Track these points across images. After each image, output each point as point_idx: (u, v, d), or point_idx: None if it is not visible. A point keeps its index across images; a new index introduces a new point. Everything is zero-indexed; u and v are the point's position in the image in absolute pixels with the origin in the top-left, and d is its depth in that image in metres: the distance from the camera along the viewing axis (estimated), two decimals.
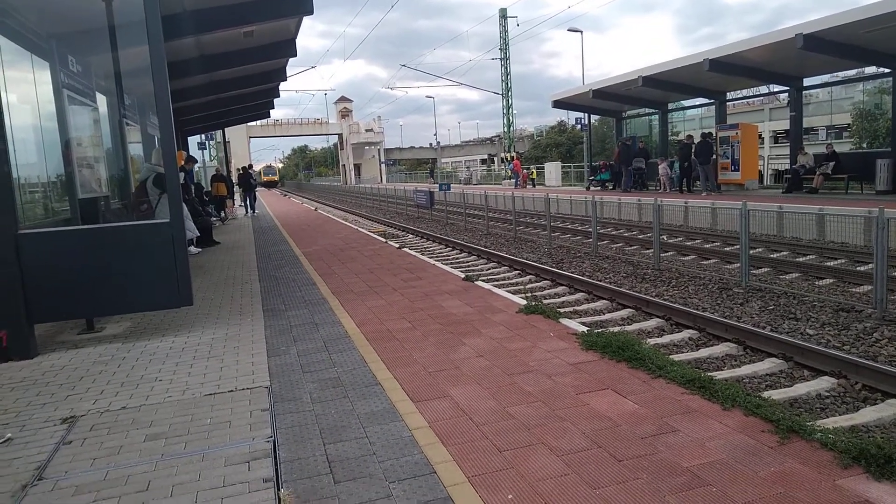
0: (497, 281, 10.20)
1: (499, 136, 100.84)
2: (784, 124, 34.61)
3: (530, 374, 4.18)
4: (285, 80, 15.50)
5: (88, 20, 7.95)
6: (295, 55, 12.07)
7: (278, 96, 18.69)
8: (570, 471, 2.87)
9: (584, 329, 5.04)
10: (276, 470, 3.10)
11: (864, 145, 29.54)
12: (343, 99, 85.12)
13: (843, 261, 10.72)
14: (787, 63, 16.95)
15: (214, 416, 3.88)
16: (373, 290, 7.51)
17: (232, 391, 4.33)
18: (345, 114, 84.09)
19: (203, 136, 26.37)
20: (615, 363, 4.26)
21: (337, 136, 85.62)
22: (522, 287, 9.64)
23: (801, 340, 6.48)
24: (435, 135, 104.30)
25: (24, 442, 3.70)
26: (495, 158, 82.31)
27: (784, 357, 6.17)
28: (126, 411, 4.09)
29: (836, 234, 12.46)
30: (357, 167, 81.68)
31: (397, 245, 11.36)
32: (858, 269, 9.89)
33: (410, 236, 18.21)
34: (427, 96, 68.03)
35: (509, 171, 37.72)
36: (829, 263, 10.50)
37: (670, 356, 4.77)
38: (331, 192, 57.28)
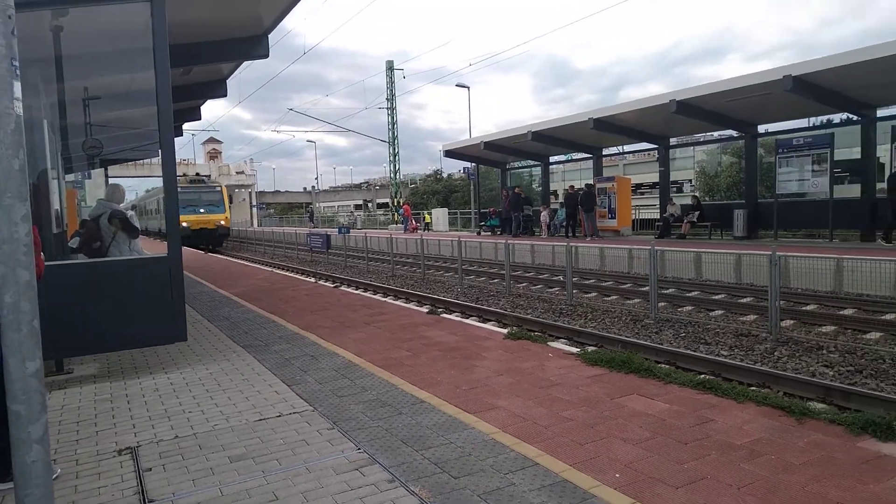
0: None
1: (368, 182, 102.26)
2: (637, 179, 38.80)
3: (559, 387, 4.75)
4: (199, 118, 15.25)
5: (37, 49, 7.69)
6: (225, 94, 12.05)
7: (181, 135, 18.17)
8: (651, 454, 3.45)
9: (577, 350, 5.71)
10: (391, 473, 3.39)
11: (707, 198, 33.78)
12: (212, 140, 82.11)
13: (723, 295, 12.39)
14: (658, 124, 19.37)
15: (285, 437, 4.03)
16: (343, 325, 7.73)
17: (280, 416, 4.47)
18: (213, 155, 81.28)
19: (80, 174, 24.53)
20: (624, 375, 4.95)
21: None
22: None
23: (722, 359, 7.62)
24: (317, 178, 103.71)
25: (95, 473, 3.65)
26: (370, 204, 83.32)
27: (713, 374, 7.21)
28: (182, 440, 4.11)
29: (711, 273, 14.32)
30: None
31: (332, 284, 11.52)
32: (740, 301, 11.54)
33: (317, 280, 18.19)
34: (308, 140, 67.31)
35: (399, 217, 38.59)
36: (714, 297, 12.12)
37: None
38: None
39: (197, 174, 42.75)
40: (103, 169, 24.88)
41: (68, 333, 5.44)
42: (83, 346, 5.66)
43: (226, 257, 23.78)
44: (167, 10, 5.70)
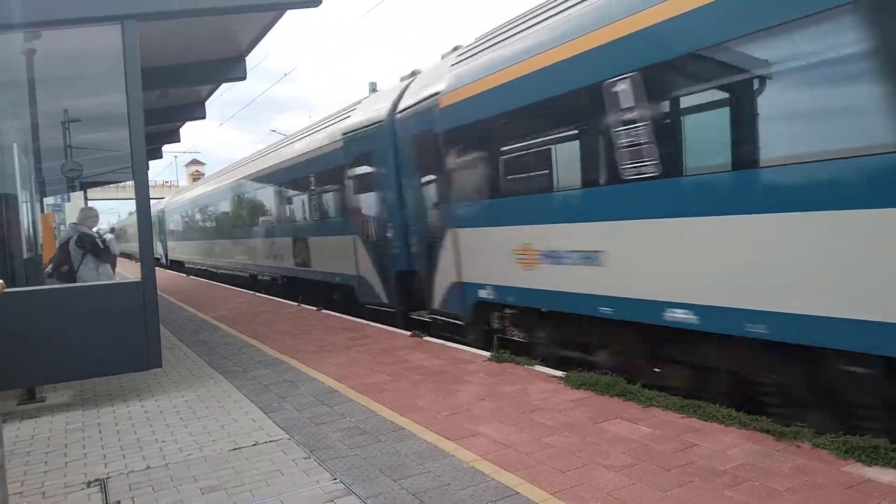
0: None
1: None
2: None
3: (542, 411, 4.66)
4: (178, 140, 15.15)
5: (9, 72, 7.59)
6: (204, 116, 11.97)
7: (161, 157, 18.02)
8: (634, 482, 3.38)
9: (563, 373, 5.62)
10: None
11: None
12: (195, 161, 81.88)
13: None
14: None
15: (260, 467, 3.91)
16: (323, 349, 7.60)
17: (256, 444, 4.35)
18: (196, 177, 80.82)
19: (59, 197, 24.23)
20: (608, 398, 4.87)
21: None
22: None
23: None
24: None
25: None
26: None
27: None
28: (153, 471, 3.98)
29: None
30: None
31: (315, 307, 11.38)
32: None
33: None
34: None
35: None
36: None
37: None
38: None
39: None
40: (83, 192, 24.68)
41: (39, 361, 5.32)
42: (55, 373, 5.51)
43: (200, 279, 23.39)
44: (140, 32, 5.65)
